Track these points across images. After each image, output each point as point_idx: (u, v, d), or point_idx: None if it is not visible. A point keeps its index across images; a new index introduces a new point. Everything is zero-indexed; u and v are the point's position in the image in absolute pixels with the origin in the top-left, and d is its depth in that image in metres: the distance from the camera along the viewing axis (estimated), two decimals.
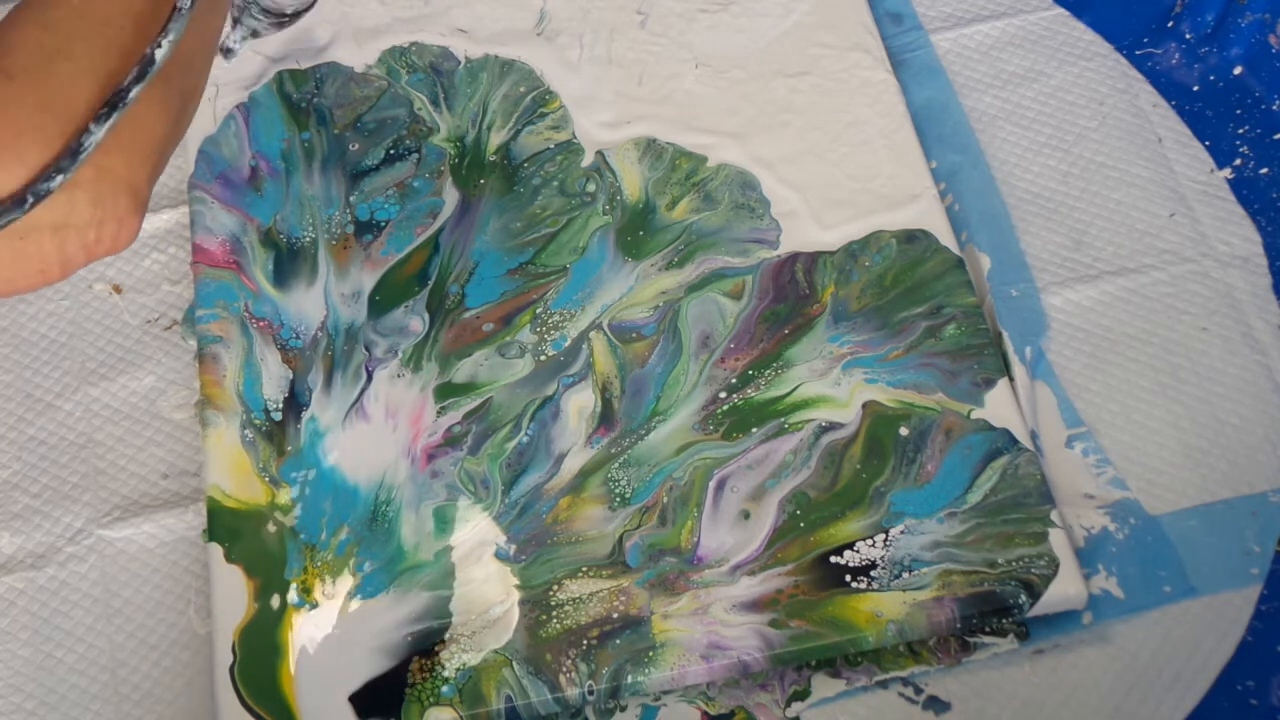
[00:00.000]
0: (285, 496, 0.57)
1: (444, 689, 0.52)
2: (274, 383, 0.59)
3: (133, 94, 0.34)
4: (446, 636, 0.53)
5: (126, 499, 0.59)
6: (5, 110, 0.32)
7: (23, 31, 0.33)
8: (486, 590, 0.54)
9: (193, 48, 0.37)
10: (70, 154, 0.33)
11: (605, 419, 0.58)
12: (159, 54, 0.34)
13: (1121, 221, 0.64)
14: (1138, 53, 0.70)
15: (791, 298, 0.60)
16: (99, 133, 0.33)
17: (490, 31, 0.70)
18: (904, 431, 0.57)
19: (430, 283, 0.62)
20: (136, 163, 0.35)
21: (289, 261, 0.62)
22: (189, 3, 0.35)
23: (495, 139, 0.66)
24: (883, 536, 0.54)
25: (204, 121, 0.66)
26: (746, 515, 0.55)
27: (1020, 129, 0.67)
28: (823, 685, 0.54)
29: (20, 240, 0.33)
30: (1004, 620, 0.53)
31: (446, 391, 0.59)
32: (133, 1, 0.35)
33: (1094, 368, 0.60)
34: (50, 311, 0.64)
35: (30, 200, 0.32)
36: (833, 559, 0.54)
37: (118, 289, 0.65)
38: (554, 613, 0.53)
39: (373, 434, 0.58)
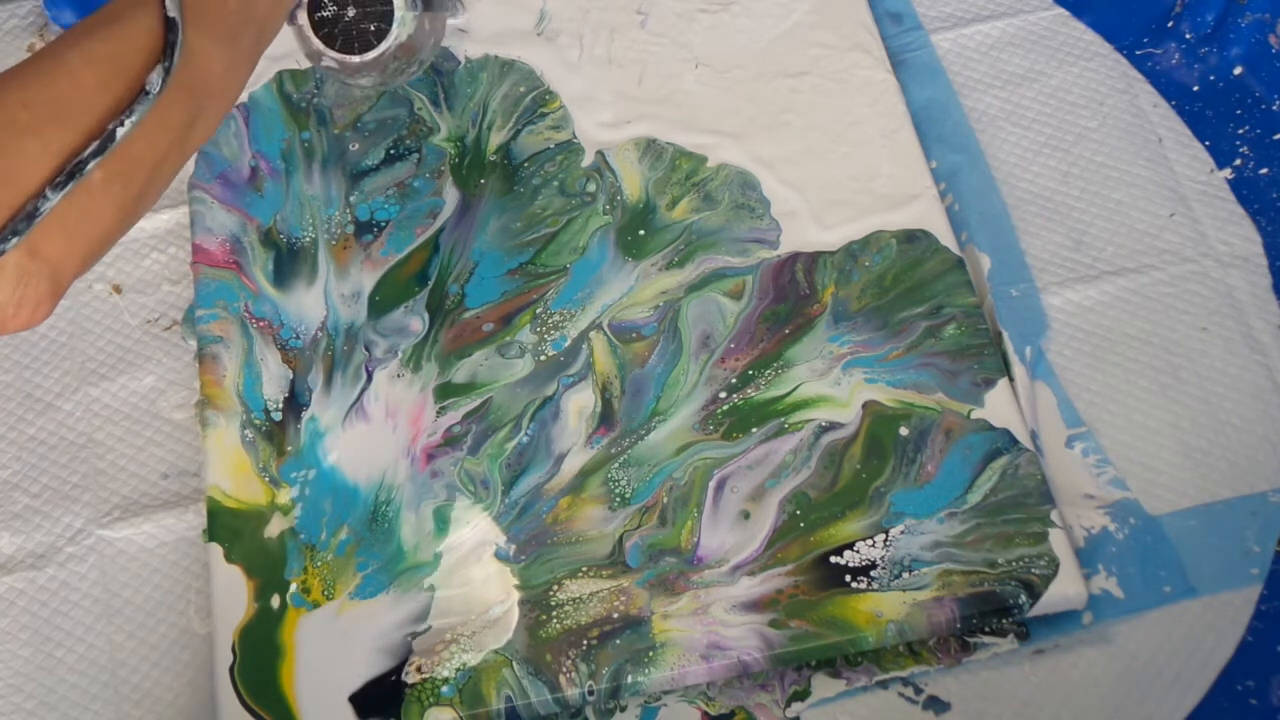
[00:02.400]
0: (285, 496, 0.56)
1: (444, 689, 0.52)
2: (274, 383, 0.59)
3: (89, 167, 0.34)
4: (446, 636, 0.53)
5: (126, 499, 0.59)
6: None
7: (1, 106, 0.34)
8: (486, 590, 0.54)
9: (162, 150, 0.37)
10: (26, 217, 0.33)
11: (605, 419, 0.58)
12: (120, 131, 0.35)
13: (1121, 221, 0.64)
14: (1138, 53, 0.70)
15: (792, 298, 0.60)
16: (55, 199, 0.34)
17: (490, 31, 0.70)
18: (904, 431, 0.57)
19: (430, 283, 0.62)
20: (71, 251, 0.35)
21: (289, 261, 0.62)
22: (157, 86, 0.36)
23: (495, 139, 0.66)
24: (883, 536, 0.54)
25: None
26: (746, 515, 0.55)
27: (1020, 129, 0.67)
28: (823, 685, 0.54)
29: None
30: (1004, 620, 0.53)
31: (446, 391, 0.59)
32: (115, 94, 0.35)
33: (1094, 368, 0.60)
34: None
35: None
36: (833, 559, 0.54)
37: (118, 289, 0.65)
38: (554, 613, 0.53)
39: (373, 434, 0.58)
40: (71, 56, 0.36)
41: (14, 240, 0.33)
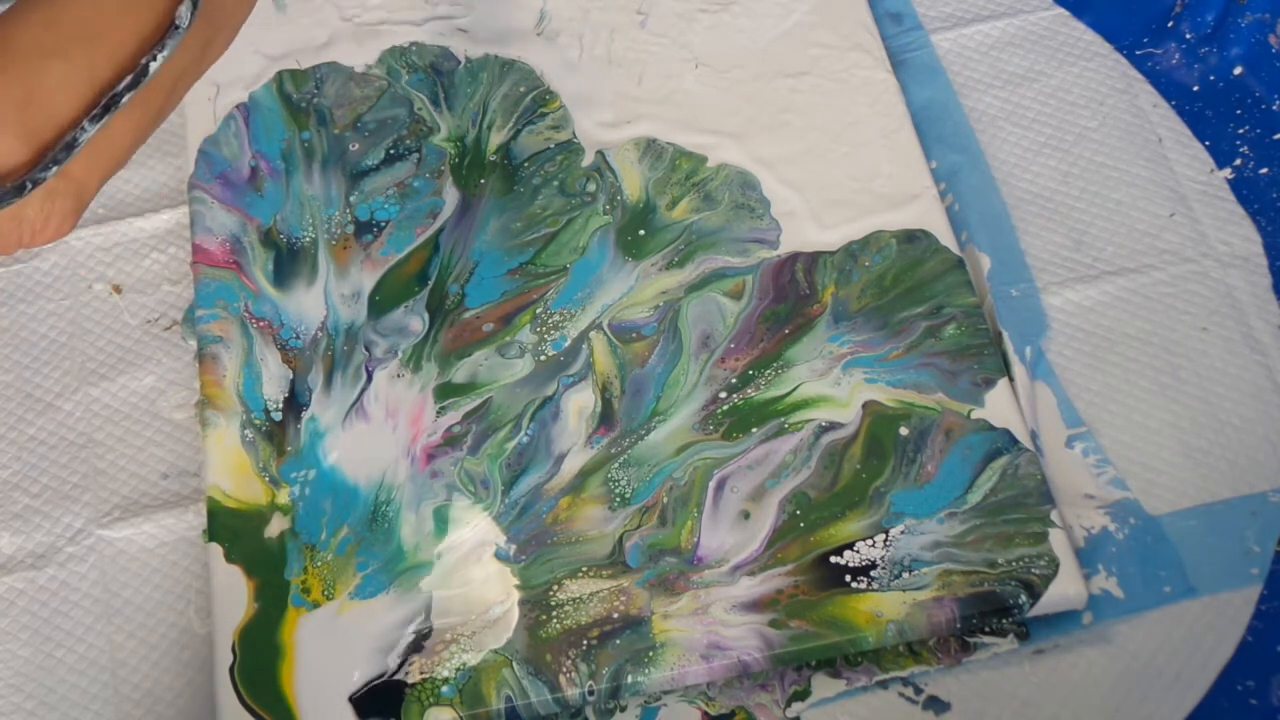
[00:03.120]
0: (285, 496, 0.57)
1: (444, 689, 0.52)
2: (274, 383, 0.59)
3: (125, 99, 0.35)
4: (446, 636, 0.53)
5: (126, 499, 0.59)
6: None
7: (24, 25, 0.34)
8: (486, 590, 0.54)
9: (179, 70, 0.38)
10: (65, 147, 0.34)
11: (605, 419, 0.58)
12: (153, 66, 0.35)
13: (1121, 221, 0.64)
14: (1138, 53, 0.70)
15: (792, 298, 0.60)
16: (92, 130, 0.34)
17: (490, 31, 0.70)
18: (904, 431, 0.57)
19: (430, 283, 0.62)
20: (94, 169, 0.36)
21: (289, 261, 0.62)
22: (186, 21, 0.36)
23: (495, 139, 0.66)
24: (883, 536, 0.54)
25: (204, 121, 0.66)
26: (746, 515, 0.55)
27: (1020, 129, 0.67)
28: (823, 685, 0.54)
29: None
30: (1004, 620, 0.53)
31: (446, 391, 0.59)
32: (139, 20, 0.36)
33: (1094, 368, 0.60)
34: (50, 311, 0.64)
35: (29, 187, 0.34)
36: (833, 559, 0.54)
37: (118, 289, 0.65)
38: (554, 613, 0.53)
39: (373, 434, 0.58)
40: None
41: (54, 169, 0.34)
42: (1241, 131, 0.67)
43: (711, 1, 0.70)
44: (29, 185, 0.34)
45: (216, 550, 0.55)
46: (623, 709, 0.54)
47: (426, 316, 0.61)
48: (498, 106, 0.67)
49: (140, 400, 0.62)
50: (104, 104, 0.35)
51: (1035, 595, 0.53)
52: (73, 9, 0.35)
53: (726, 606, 0.53)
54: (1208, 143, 0.67)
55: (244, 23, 0.42)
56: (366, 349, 0.60)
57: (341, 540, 0.56)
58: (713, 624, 0.53)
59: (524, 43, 0.69)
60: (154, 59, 0.35)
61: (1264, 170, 0.65)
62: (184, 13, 0.36)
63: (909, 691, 0.54)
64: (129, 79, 0.35)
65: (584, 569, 0.54)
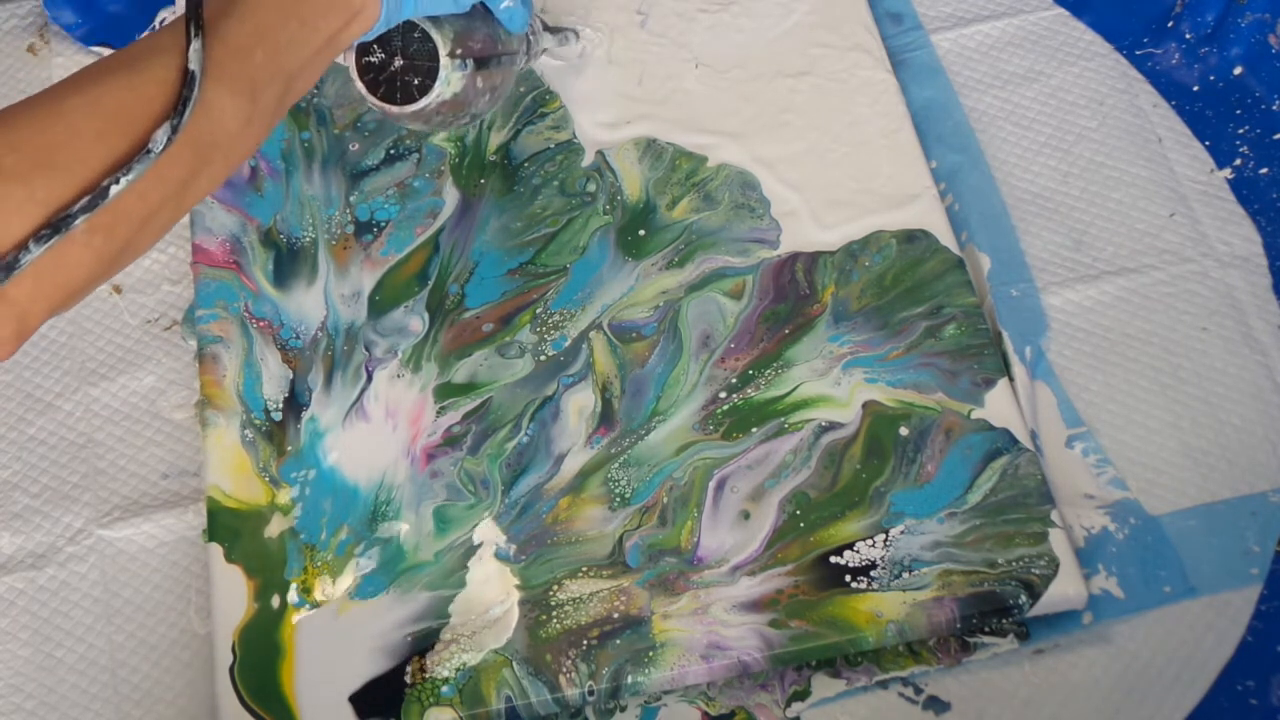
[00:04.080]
0: (285, 496, 0.57)
1: (444, 689, 0.52)
2: (274, 383, 0.59)
3: (78, 222, 0.33)
4: (446, 636, 0.53)
5: (126, 499, 0.59)
6: None
7: None
8: (486, 590, 0.54)
9: (154, 204, 0.36)
10: (4, 268, 0.33)
11: (605, 419, 0.58)
12: (114, 189, 0.34)
13: (1121, 221, 0.64)
14: (1138, 53, 0.70)
15: (792, 298, 0.60)
16: (36, 252, 0.33)
17: None
18: (904, 431, 0.57)
19: (430, 283, 0.62)
20: (40, 297, 0.34)
21: (289, 261, 0.62)
22: (160, 145, 0.34)
23: (495, 139, 0.66)
24: (883, 536, 0.54)
25: None
26: (746, 515, 0.55)
27: (1020, 129, 0.67)
28: (823, 685, 0.54)
29: None
30: (1004, 620, 0.53)
31: (446, 391, 0.59)
32: (113, 147, 0.34)
33: (1094, 368, 0.60)
34: None
35: None
36: (833, 559, 0.54)
37: (118, 289, 0.65)
38: (554, 613, 0.53)
39: (373, 434, 0.58)
40: (74, 103, 0.34)
41: None
42: (1241, 131, 0.67)
43: (711, 1, 0.70)
44: None
45: (216, 550, 0.55)
46: (623, 709, 0.54)
47: (426, 316, 0.61)
48: (498, 106, 0.67)
49: (140, 400, 0.62)
50: (54, 224, 0.33)
51: (1035, 595, 0.53)
52: (44, 134, 0.34)
53: (726, 606, 0.53)
54: (1208, 143, 0.67)
55: (248, 156, 0.40)
56: (366, 349, 0.60)
57: (341, 540, 0.56)
58: (713, 624, 0.53)
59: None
60: (116, 182, 0.34)
61: (1264, 170, 0.65)
62: (159, 136, 0.35)
63: (909, 691, 0.54)
64: (85, 200, 0.33)
65: (584, 569, 0.54)
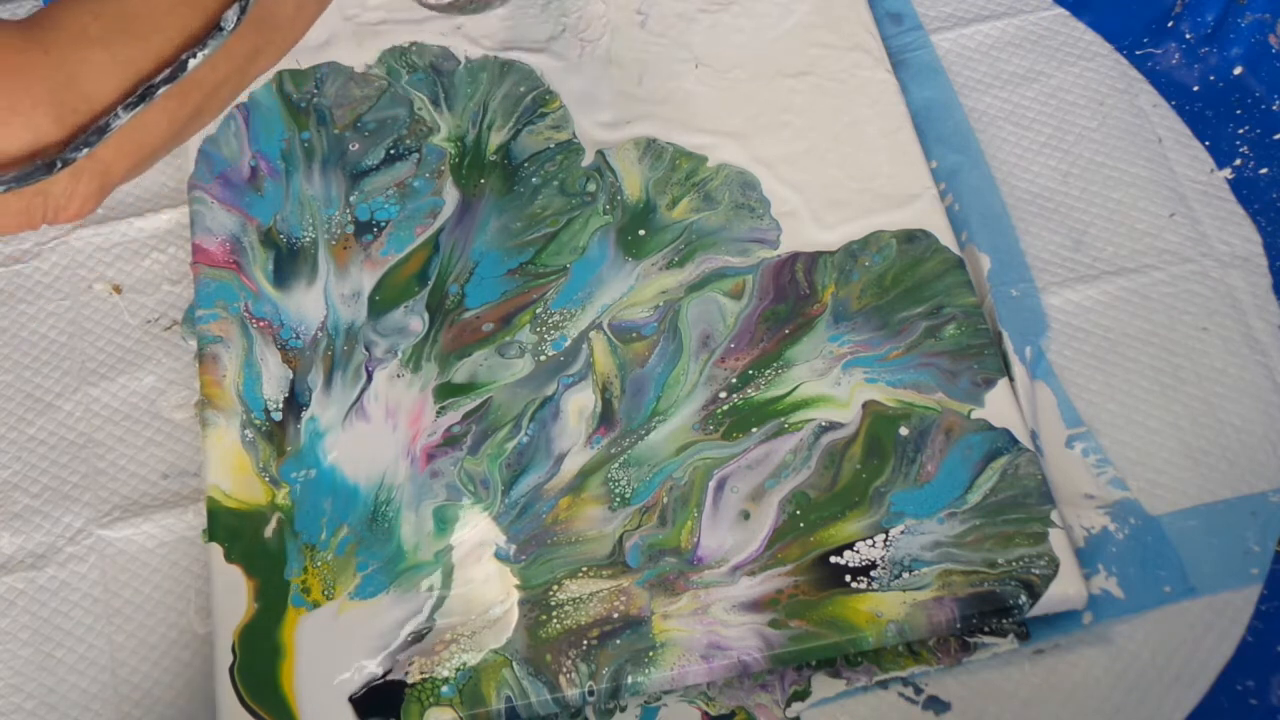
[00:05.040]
0: (285, 496, 0.57)
1: (444, 689, 0.52)
2: (274, 383, 0.59)
3: (160, 92, 0.36)
4: (446, 636, 0.53)
5: (126, 499, 0.59)
6: (31, 81, 0.34)
7: (74, 13, 0.35)
8: (486, 590, 0.54)
9: (222, 75, 0.39)
10: (97, 131, 0.35)
11: (605, 419, 0.58)
12: (192, 63, 0.36)
13: (1121, 221, 0.64)
14: (1138, 53, 0.70)
15: (792, 297, 0.60)
16: (125, 118, 0.35)
17: (490, 30, 0.70)
18: (904, 431, 0.57)
19: (430, 283, 0.62)
20: (123, 156, 0.37)
21: (289, 261, 0.62)
22: (232, 24, 0.37)
23: (495, 139, 0.66)
24: (883, 537, 0.54)
25: None
26: (746, 515, 0.55)
27: (1020, 129, 0.67)
28: (823, 685, 0.54)
29: (13, 195, 0.35)
30: (1004, 620, 0.53)
31: (446, 391, 0.59)
32: (185, 18, 0.37)
33: (1094, 368, 0.60)
34: (50, 311, 0.64)
35: (59, 166, 0.35)
36: (833, 559, 0.54)
37: (118, 289, 0.65)
38: (554, 613, 0.53)
39: (373, 434, 0.58)
40: None
41: (85, 151, 0.35)
42: (1241, 131, 0.67)
43: (711, 1, 0.70)
44: (59, 164, 0.34)
45: (216, 550, 0.55)
46: (623, 709, 0.54)
47: (426, 316, 0.61)
48: (498, 106, 0.67)
49: (140, 400, 0.62)
50: (139, 94, 0.36)
51: (1035, 595, 0.53)
52: (124, 3, 0.36)
53: (726, 606, 0.53)
54: (1208, 143, 0.67)
55: (299, 39, 0.42)
56: (366, 349, 0.60)
57: (341, 540, 0.56)
58: (713, 624, 0.53)
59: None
60: (194, 56, 0.36)
61: (1264, 170, 0.65)
62: (230, 16, 0.37)
63: (909, 691, 0.54)
64: (166, 73, 0.36)
65: (584, 569, 0.54)
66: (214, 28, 0.37)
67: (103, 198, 0.38)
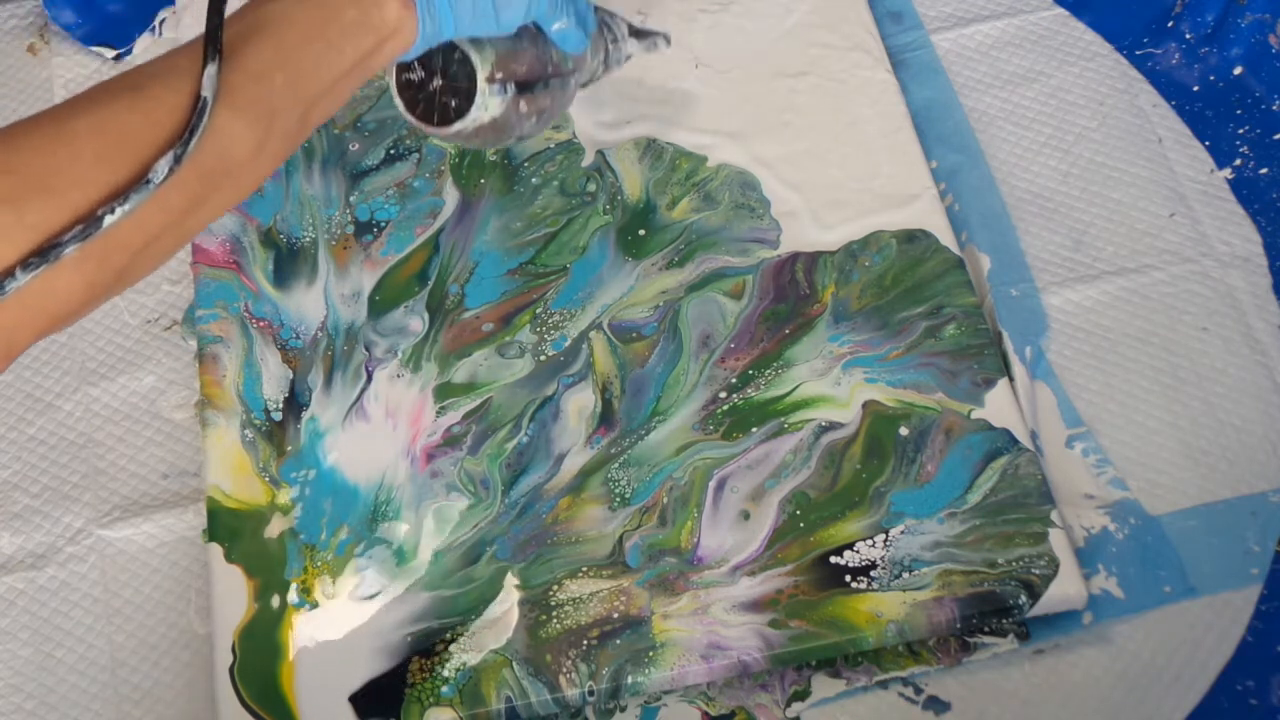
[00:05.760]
0: (285, 496, 0.56)
1: (444, 689, 0.52)
2: (274, 383, 0.59)
3: (69, 250, 0.32)
4: (446, 636, 0.53)
5: (126, 499, 0.59)
6: None
7: None
8: (486, 590, 0.54)
9: (154, 230, 0.34)
10: None
11: (605, 419, 0.58)
12: (107, 220, 0.33)
13: (1121, 221, 0.64)
14: (1138, 53, 0.70)
15: (792, 297, 0.60)
16: (23, 279, 0.32)
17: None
18: (904, 431, 0.57)
19: (430, 283, 0.62)
20: (26, 322, 0.33)
21: (289, 261, 0.62)
22: (161, 176, 0.33)
23: None
24: (883, 537, 0.54)
25: None
26: (746, 515, 0.55)
27: (1020, 129, 0.67)
28: (823, 685, 0.54)
29: None
30: (1004, 620, 0.53)
31: (446, 391, 0.59)
32: (113, 173, 0.33)
33: (1094, 368, 0.60)
34: None
35: None
36: (833, 559, 0.54)
37: None
38: (554, 613, 0.53)
39: (373, 434, 0.58)
40: (79, 125, 0.33)
41: None
42: (1241, 131, 0.67)
43: (711, 1, 0.70)
44: None
45: (216, 550, 0.55)
46: (623, 709, 0.54)
47: (426, 316, 0.61)
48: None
49: (140, 400, 0.62)
50: (42, 251, 0.32)
51: (1035, 595, 0.53)
52: (42, 157, 0.32)
53: (726, 606, 0.53)
54: (1208, 143, 0.67)
55: (262, 180, 0.38)
56: (366, 349, 0.60)
57: (341, 540, 0.56)
58: (713, 624, 0.53)
59: None
60: (110, 211, 0.32)
61: (1264, 170, 0.65)
62: (160, 167, 0.33)
63: (909, 691, 0.54)
64: (77, 229, 0.32)
65: (584, 569, 0.54)
66: (141, 180, 0.33)
67: (8, 362, 0.33)
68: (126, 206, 0.33)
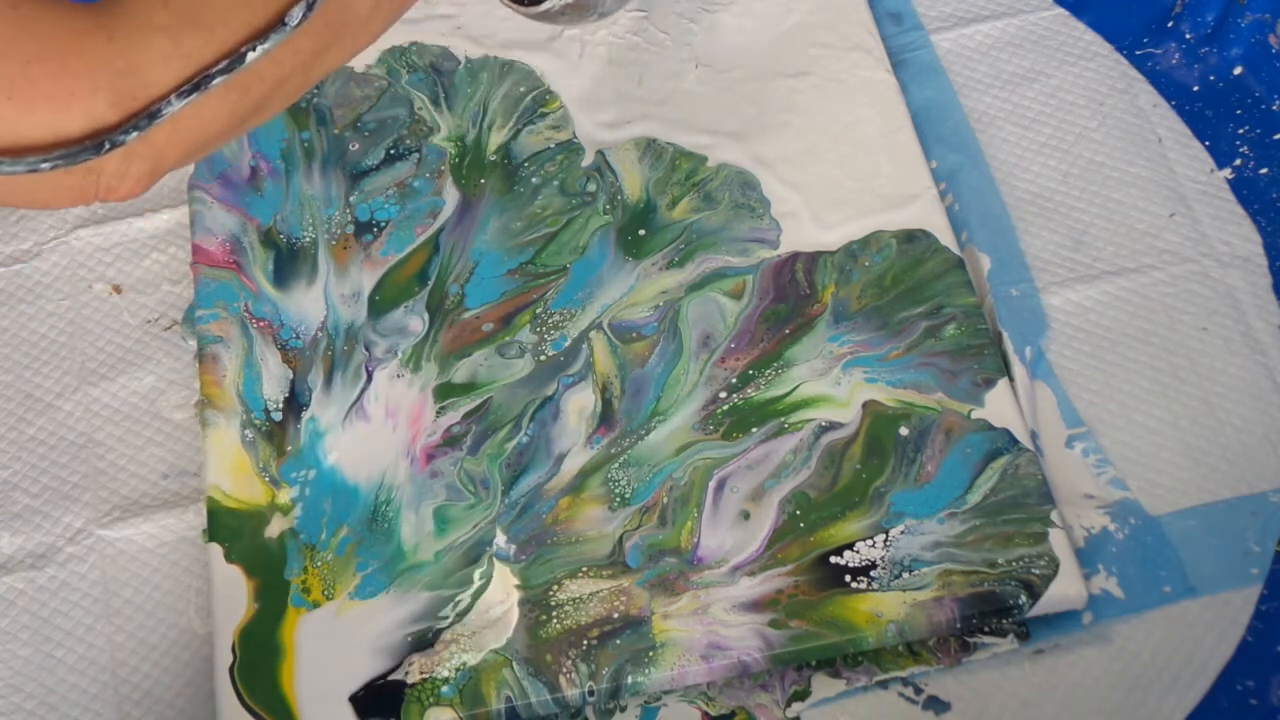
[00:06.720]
0: (285, 496, 0.57)
1: (444, 689, 0.52)
2: (274, 383, 0.59)
3: (215, 82, 0.36)
4: (447, 636, 0.53)
5: (126, 499, 0.59)
6: (94, 67, 0.34)
7: (143, 1, 0.36)
8: (486, 590, 0.54)
9: (286, 70, 0.39)
10: (149, 116, 0.35)
11: (605, 419, 0.58)
12: (251, 56, 0.36)
13: (1121, 221, 0.64)
14: (1138, 53, 0.70)
15: (792, 297, 0.60)
16: (178, 105, 0.35)
17: (489, 30, 0.70)
18: (904, 431, 0.57)
19: (430, 283, 0.62)
20: (176, 141, 0.37)
21: (289, 261, 0.62)
22: (296, 20, 0.37)
23: (495, 138, 0.66)
24: (883, 537, 0.54)
25: None
26: (746, 515, 0.55)
27: (1020, 129, 0.67)
28: (823, 685, 0.54)
29: (65, 173, 0.36)
30: (1004, 620, 0.53)
31: (446, 391, 0.59)
32: (253, 13, 0.37)
33: (1094, 368, 0.60)
34: (50, 311, 0.64)
35: (108, 146, 0.35)
36: (833, 559, 0.54)
37: (118, 289, 0.65)
38: (554, 613, 0.53)
39: (373, 434, 0.58)
40: None
41: (134, 134, 0.35)
42: (1241, 131, 0.67)
43: (711, 1, 0.70)
44: (107, 145, 0.35)
45: (216, 550, 0.55)
46: (623, 709, 0.54)
47: (426, 316, 0.61)
48: (498, 106, 0.67)
49: (140, 400, 0.62)
50: (195, 83, 0.36)
51: (1035, 595, 0.53)
52: None
53: (726, 606, 0.53)
54: (1208, 143, 0.67)
55: (374, 38, 0.42)
56: (366, 349, 0.60)
57: (341, 540, 0.56)
58: (713, 624, 0.53)
59: (524, 43, 0.69)
60: (253, 49, 0.36)
61: (1264, 170, 0.65)
62: (296, 12, 0.37)
63: (909, 691, 0.54)
64: (224, 64, 0.36)
65: (584, 569, 0.54)
66: (278, 22, 0.37)
67: (154, 181, 0.38)
68: (266, 45, 0.37)
